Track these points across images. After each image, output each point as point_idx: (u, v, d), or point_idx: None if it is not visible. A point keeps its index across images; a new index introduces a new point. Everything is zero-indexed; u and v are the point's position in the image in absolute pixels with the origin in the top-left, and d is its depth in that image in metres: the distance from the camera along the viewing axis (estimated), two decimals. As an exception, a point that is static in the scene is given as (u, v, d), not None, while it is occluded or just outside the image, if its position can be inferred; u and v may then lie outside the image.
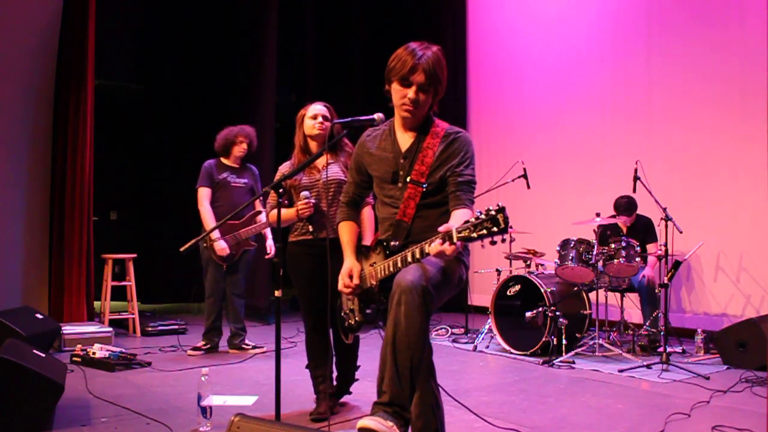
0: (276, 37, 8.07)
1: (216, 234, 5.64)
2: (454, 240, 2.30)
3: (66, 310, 6.59)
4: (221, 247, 5.64)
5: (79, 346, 5.46)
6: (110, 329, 6.16)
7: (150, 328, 6.80)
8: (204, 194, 5.78)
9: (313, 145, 3.95)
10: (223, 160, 5.92)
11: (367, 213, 3.77)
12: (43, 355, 3.87)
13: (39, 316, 5.54)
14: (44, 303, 6.68)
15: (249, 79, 8.39)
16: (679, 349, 5.86)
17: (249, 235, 5.77)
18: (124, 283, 6.92)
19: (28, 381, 3.42)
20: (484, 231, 2.22)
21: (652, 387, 4.66)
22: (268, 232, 5.95)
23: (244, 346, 5.93)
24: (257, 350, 5.92)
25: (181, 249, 3.03)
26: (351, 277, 2.80)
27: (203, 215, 5.74)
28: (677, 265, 5.65)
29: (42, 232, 6.85)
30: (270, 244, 6.00)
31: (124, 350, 5.35)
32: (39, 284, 6.81)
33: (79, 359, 5.20)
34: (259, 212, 5.81)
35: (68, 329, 5.96)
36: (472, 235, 2.25)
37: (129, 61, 9.06)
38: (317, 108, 3.97)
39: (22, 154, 6.80)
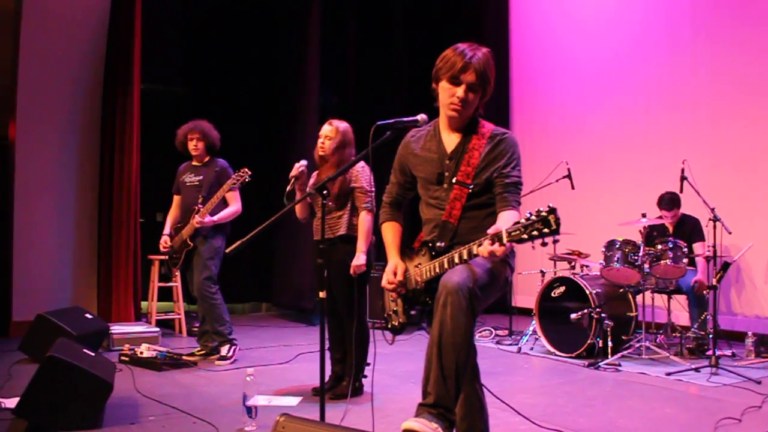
0: (318, 39, 8.11)
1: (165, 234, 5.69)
2: (504, 241, 2.28)
3: (114, 311, 6.73)
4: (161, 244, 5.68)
5: (126, 345, 5.55)
6: (157, 329, 6.25)
7: (195, 329, 6.86)
8: (173, 202, 5.79)
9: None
10: (192, 161, 5.70)
11: (363, 219, 4.19)
12: (93, 354, 3.96)
13: (88, 316, 5.68)
14: (93, 303, 6.84)
15: (292, 81, 8.44)
16: (728, 353, 5.72)
17: (188, 234, 5.42)
18: (170, 284, 7.01)
19: (78, 379, 3.50)
20: (536, 232, 2.20)
21: (701, 391, 4.56)
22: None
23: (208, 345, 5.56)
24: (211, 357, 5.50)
25: (227, 250, 3.06)
26: (395, 274, 2.78)
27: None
28: (726, 266, 5.53)
29: (91, 234, 7.02)
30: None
31: (170, 350, 5.43)
32: (88, 285, 6.99)
33: (126, 358, 5.29)
34: (196, 210, 5.38)
35: (116, 329, 6.05)
36: (523, 236, 2.23)
37: (175, 65, 9.17)
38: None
39: (70, 158, 6.98)
